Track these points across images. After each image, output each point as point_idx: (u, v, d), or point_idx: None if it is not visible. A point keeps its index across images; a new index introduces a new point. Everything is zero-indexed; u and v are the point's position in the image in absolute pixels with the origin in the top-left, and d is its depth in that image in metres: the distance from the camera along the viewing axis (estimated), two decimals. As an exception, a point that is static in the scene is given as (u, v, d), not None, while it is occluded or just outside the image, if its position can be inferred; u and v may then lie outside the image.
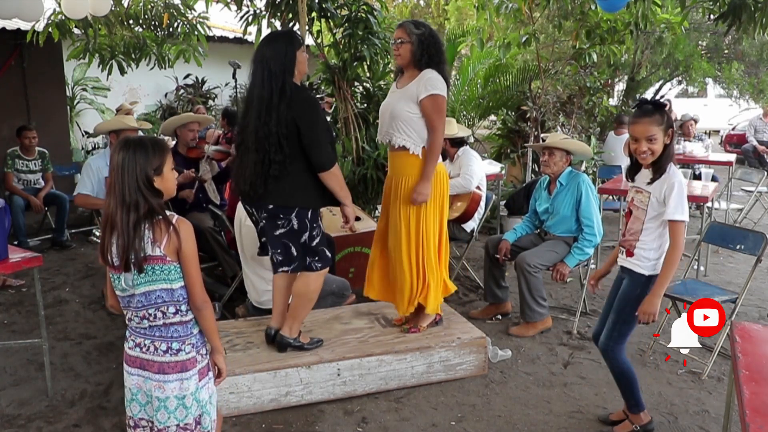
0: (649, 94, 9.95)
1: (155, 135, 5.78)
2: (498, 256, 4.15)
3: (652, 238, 2.61)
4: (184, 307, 1.99)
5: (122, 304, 2.02)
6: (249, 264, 3.83)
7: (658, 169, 2.56)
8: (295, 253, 3.02)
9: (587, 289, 4.24)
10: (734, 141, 12.10)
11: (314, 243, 3.03)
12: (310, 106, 2.91)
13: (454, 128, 4.66)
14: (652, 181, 2.58)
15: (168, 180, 1.98)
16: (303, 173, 2.94)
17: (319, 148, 2.89)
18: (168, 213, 1.94)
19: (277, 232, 3.00)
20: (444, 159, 4.61)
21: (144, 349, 1.99)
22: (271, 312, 3.34)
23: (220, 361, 2.12)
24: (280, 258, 3.05)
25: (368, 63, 5.80)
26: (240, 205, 3.83)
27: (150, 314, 1.97)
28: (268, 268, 3.64)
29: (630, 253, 2.68)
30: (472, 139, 5.09)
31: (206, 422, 2.05)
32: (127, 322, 2.04)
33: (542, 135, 6.65)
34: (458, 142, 4.74)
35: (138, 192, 1.89)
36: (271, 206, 2.97)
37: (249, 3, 5.86)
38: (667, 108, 2.58)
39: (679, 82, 11.32)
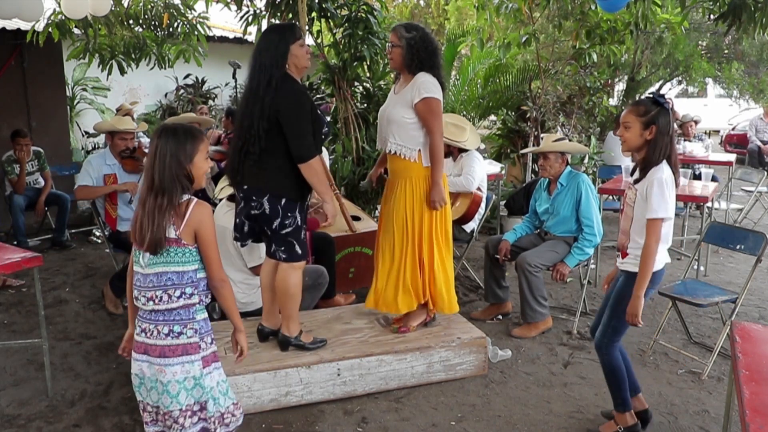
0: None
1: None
2: (498, 256, 4.15)
3: (640, 236, 2.60)
4: (189, 290, 2.02)
5: (134, 281, 2.08)
6: None
7: (644, 166, 2.57)
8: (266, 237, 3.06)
9: (587, 290, 4.25)
10: (734, 141, 12.10)
11: (283, 232, 3.01)
12: (294, 97, 2.92)
13: (465, 135, 4.60)
14: (639, 178, 2.59)
15: (199, 168, 2.01)
16: (283, 163, 2.95)
17: (298, 139, 2.90)
18: (188, 197, 1.99)
19: (252, 213, 3.03)
20: (446, 157, 4.60)
21: (148, 334, 2.04)
22: (254, 313, 3.35)
23: (241, 340, 2.17)
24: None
25: (368, 63, 5.80)
26: (220, 205, 3.84)
27: (156, 296, 2.01)
28: (239, 269, 3.63)
29: (624, 254, 2.69)
30: (483, 146, 5.05)
31: (211, 407, 2.07)
32: (134, 302, 2.09)
33: (542, 135, 6.64)
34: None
35: (170, 179, 1.94)
36: (245, 187, 3.01)
37: (249, 3, 5.86)
38: (663, 105, 2.53)
39: (679, 82, 11.31)
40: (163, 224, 1.95)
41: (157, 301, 2.01)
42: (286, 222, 3.01)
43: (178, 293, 2.01)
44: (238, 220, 3.13)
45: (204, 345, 2.07)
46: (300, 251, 3.06)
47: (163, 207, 1.95)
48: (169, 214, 1.96)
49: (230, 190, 3.61)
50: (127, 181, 4.48)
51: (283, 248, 3.03)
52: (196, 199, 2.01)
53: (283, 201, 2.98)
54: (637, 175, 2.62)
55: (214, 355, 2.11)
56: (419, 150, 3.24)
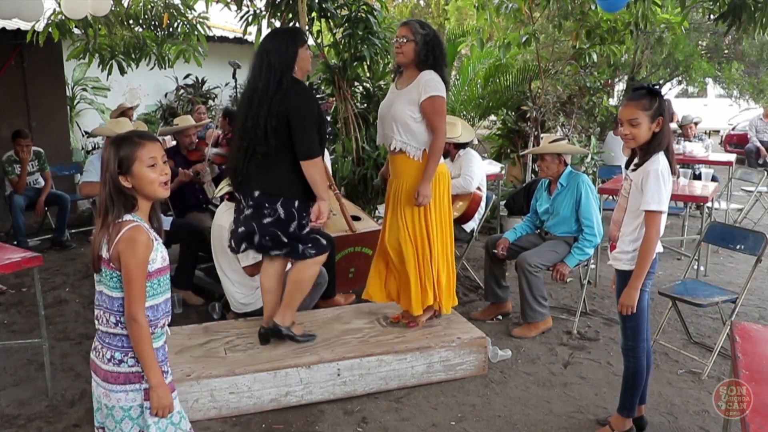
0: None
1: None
2: (496, 250, 4.13)
3: (631, 230, 2.58)
4: (124, 319, 1.86)
5: None
6: (220, 266, 3.77)
7: (643, 156, 2.52)
8: (285, 240, 3.04)
9: (587, 290, 4.25)
10: (734, 141, 12.09)
11: (304, 231, 3.05)
12: (304, 97, 2.95)
13: (457, 131, 4.62)
14: (636, 168, 2.55)
15: (140, 179, 1.82)
16: (290, 165, 2.95)
17: (306, 135, 2.91)
18: (125, 219, 1.82)
19: (265, 221, 3.00)
20: (445, 157, 4.61)
21: (96, 353, 1.92)
22: (254, 313, 3.34)
23: (152, 397, 1.86)
24: (270, 244, 3.06)
25: (368, 63, 5.80)
26: (219, 208, 3.84)
27: (99, 316, 1.90)
28: (237, 270, 3.62)
29: (613, 247, 2.68)
30: (476, 142, 5.07)
31: None
32: None
33: (542, 135, 6.65)
34: (462, 144, 4.73)
35: (108, 193, 1.82)
36: (257, 193, 2.98)
37: (249, 3, 5.86)
38: (661, 96, 2.50)
39: (679, 82, 11.32)
40: (99, 242, 1.83)
41: (100, 321, 1.90)
42: (303, 222, 3.04)
43: (114, 320, 1.86)
44: (241, 228, 3.08)
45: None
46: (324, 241, 3.14)
47: (102, 223, 1.83)
48: (105, 231, 1.82)
49: (229, 189, 3.62)
50: None
51: (310, 245, 3.07)
52: (134, 224, 1.82)
53: (297, 203, 3.01)
54: (636, 162, 2.57)
55: (170, 384, 1.93)
56: (424, 150, 3.24)
